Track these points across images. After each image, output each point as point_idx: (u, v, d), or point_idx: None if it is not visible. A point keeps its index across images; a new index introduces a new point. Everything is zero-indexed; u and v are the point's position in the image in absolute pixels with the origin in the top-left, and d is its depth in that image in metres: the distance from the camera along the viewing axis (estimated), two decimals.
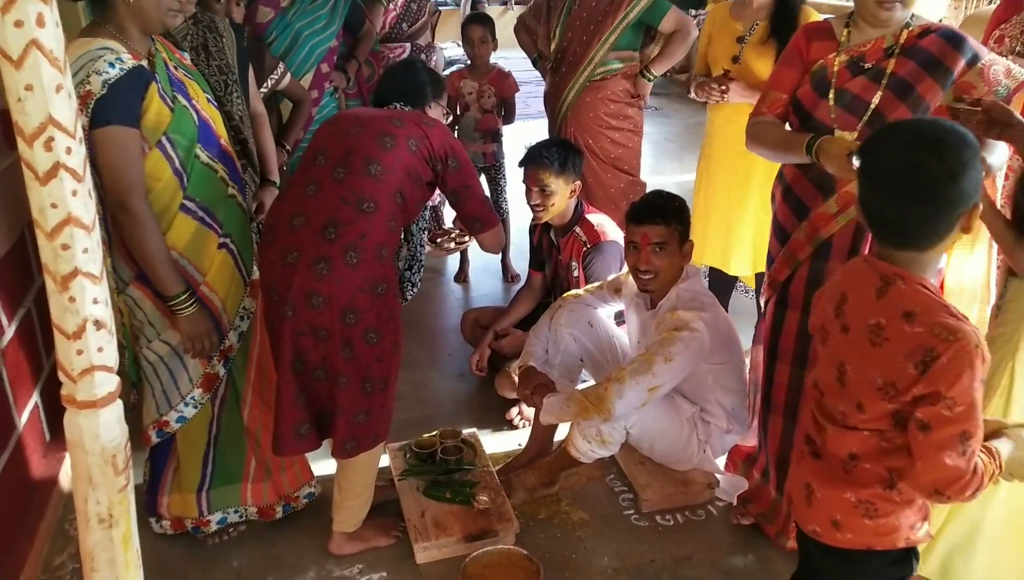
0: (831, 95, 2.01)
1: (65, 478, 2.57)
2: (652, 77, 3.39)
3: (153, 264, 1.92)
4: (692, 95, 3.06)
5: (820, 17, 2.76)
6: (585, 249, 2.85)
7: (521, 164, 2.88)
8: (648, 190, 2.94)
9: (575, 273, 2.89)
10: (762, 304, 2.31)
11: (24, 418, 2.39)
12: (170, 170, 1.92)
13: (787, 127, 2.15)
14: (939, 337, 1.25)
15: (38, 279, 2.63)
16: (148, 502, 2.23)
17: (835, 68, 2.01)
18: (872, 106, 1.96)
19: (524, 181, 2.88)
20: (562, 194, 2.83)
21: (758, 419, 2.35)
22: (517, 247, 4.25)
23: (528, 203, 2.89)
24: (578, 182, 2.88)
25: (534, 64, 3.69)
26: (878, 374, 1.32)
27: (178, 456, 2.20)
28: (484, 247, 2.39)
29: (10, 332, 2.33)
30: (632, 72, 3.36)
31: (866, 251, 1.98)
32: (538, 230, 3.10)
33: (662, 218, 2.31)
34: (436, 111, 2.37)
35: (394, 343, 2.09)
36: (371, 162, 2.04)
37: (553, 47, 3.38)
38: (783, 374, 2.18)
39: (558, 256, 2.98)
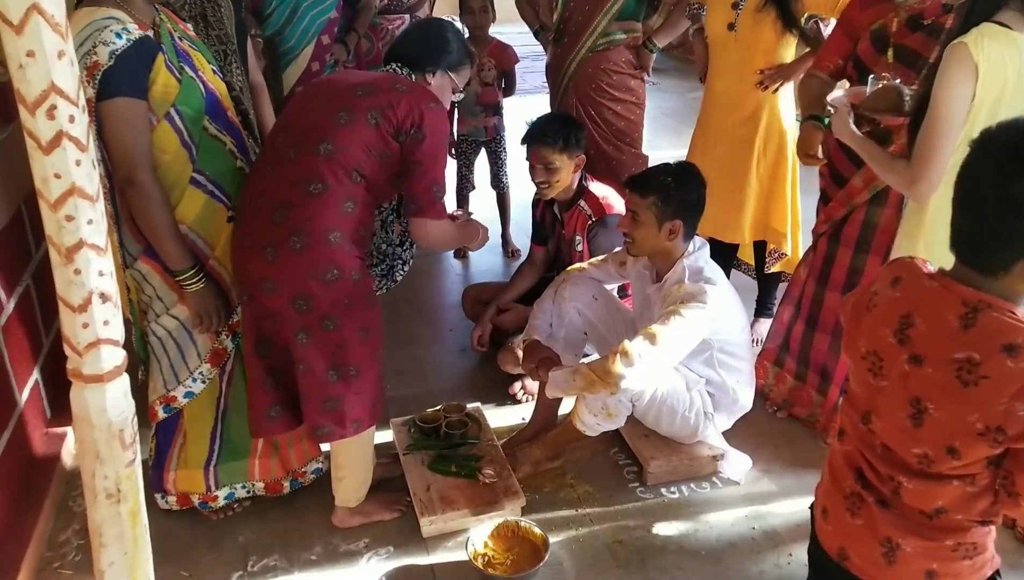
0: (890, 51, 2.06)
1: (68, 455, 2.56)
2: (655, 48, 3.36)
3: (162, 238, 1.90)
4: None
5: None
6: (590, 222, 2.83)
7: (523, 142, 2.84)
8: (651, 164, 2.92)
9: (579, 247, 2.87)
10: (811, 238, 2.52)
11: (25, 395, 2.37)
12: (178, 142, 1.90)
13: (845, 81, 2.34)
14: None
15: (36, 254, 2.60)
16: (154, 478, 2.22)
17: (894, 26, 2.07)
18: (930, 61, 1.99)
19: (527, 159, 2.85)
20: (567, 170, 2.80)
21: (783, 330, 2.70)
22: (517, 223, 4.22)
23: (533, 180, 2.87)
24: (582, 156, 2.85)
25: (536, 36, 3.64)
26: (976, 417, 1.15)
27: (185, 432, 2.19)
28: (415, 236, 2.13)
29: (9, 308, 2.31)
30: (635, 43, 3.33)
31: None
32: (541, 205, 3.08)
33: (639, 189, 2.32)
34: (441, 81, 2.18)
35: (361, 330, 2.00)
36: (323, 141, 1.94)
37: (556, 17, 3.34)
38: (833, 300, 2.46)
39: (561, 230, 2.96)
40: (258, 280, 1.94)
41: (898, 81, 2.06)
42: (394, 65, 2.16)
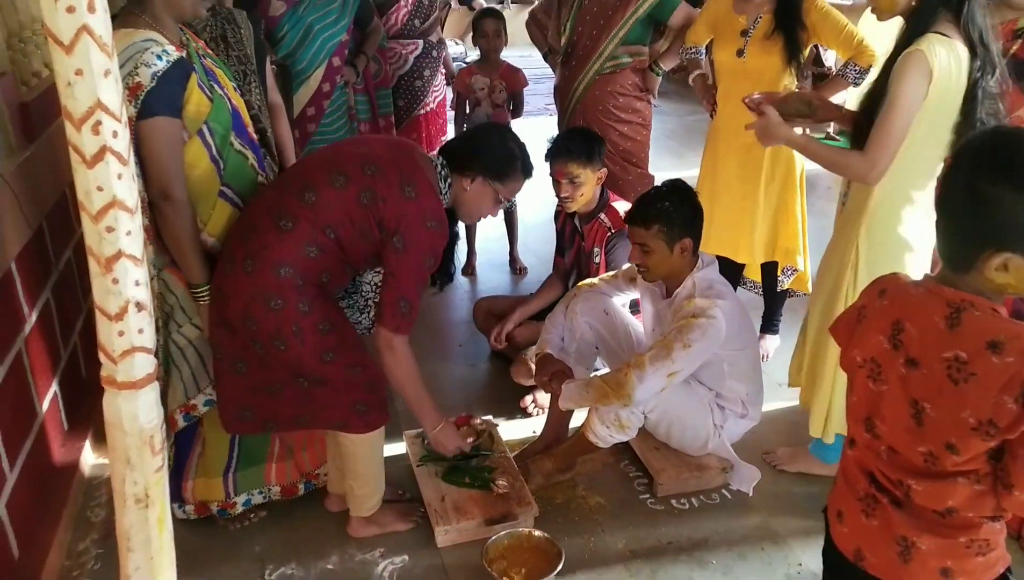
0: None
1: (86, 465, 2.59)
2: (661, 71, 3.42)
3: (185, 252, 1.97)
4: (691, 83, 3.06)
5: (825, 5, 2.81)
6: (609, 234, 2.87)
7: (547, 158, 2.89)
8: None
9: (596, 260, 2.92)
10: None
11: (45, 406, 2.41)
12: (207, 157, 1.97)
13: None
14: None
15: (56, 269, 2.65)
16: (171, 487, 2.25)
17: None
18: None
19: (551, 174, 2.89)
20: (590, 184, 2.85)
21: None
22: (524, 243, 4.27)
23: (557, 195, 2.91)
24: (604, 169, 2.90)
25: (544, 58, 3.71)
26: (969, 413, 1.18)
27: (204, 440, 2.24)
28: (377, 345, 2.08)
29: (32, 321, 2.35)
30: (641, 66, 3.39)
31: None
32: (562, 216, 3.12)
33: (642, 221, 2.34)
34: (481, 188, 2.15)
35: (319, 353, 1.99)
36: (308, 189, 1.98)
37: (564, 41, 3.40)
38: None
39: (581, 242, 3.01)
40: (216, 287, 2.02)
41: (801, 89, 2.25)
42: (440, 159, 2.15)
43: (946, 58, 1.95)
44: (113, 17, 1.94)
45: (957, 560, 1.30)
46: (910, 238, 2.15)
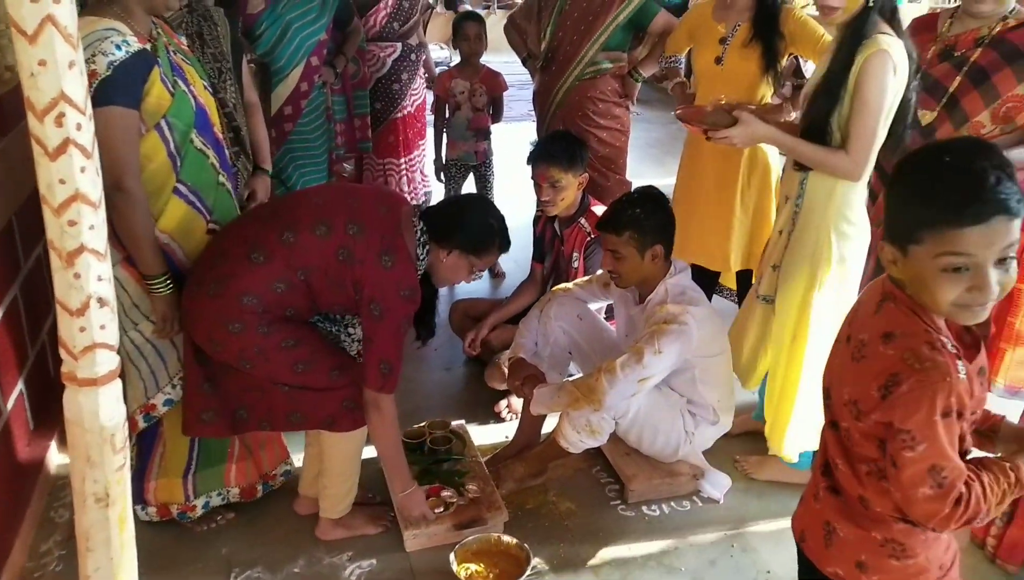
0: (917, 78, 2.16)
1: (50, 465, 2.55)
2: (640, 77, 3.44)
3: (139, 243, 1.95)
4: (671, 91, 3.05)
5: (803, 16, 2.84)
6: (588, 239, 2.88)
7: (529, 161, 2.89)
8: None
9: (575, 264, 2.92)
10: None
11: (10, 404, 2.37)
12: (164, 152, 1.95)
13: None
14: (906, 363, 1.18)
15: (24, 266, 2.61)
16: (134, 489, 2.23)
17: (929, 54, 2.21)
18: (949, 91, 2.17)
19: (533, 178, 2.90)
20: (572, 188, 2.86)
21: None
22: None
23: (538, 199, 2.92)
24: (585, 174, 2.91)
25: (523, 63, 3.72)
26: (848, 389, 1.28)
27: (164, 440, 2.21)
28: (365, 402, 2.12)
29: None
30: (621, 72, 3.41)
31: None
32: (542, 221, 3.12)
33: (613, 228, 2.36)
34: (457, 261, 2.19)
35: (291, 366, 2.03)
36: (289, 230, 2.01)
37: (544, 46, 3.41)
38: None
39: (561, 247, 3.01)
40: (184, 307, 2.04)
41: (723, 100, 2.40)
42: (421, 225, 2.15)
43: (902, 54, 2.07)
44: (83, 5, 1.95)
45: (871, 556, 1.33)
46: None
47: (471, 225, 2.21)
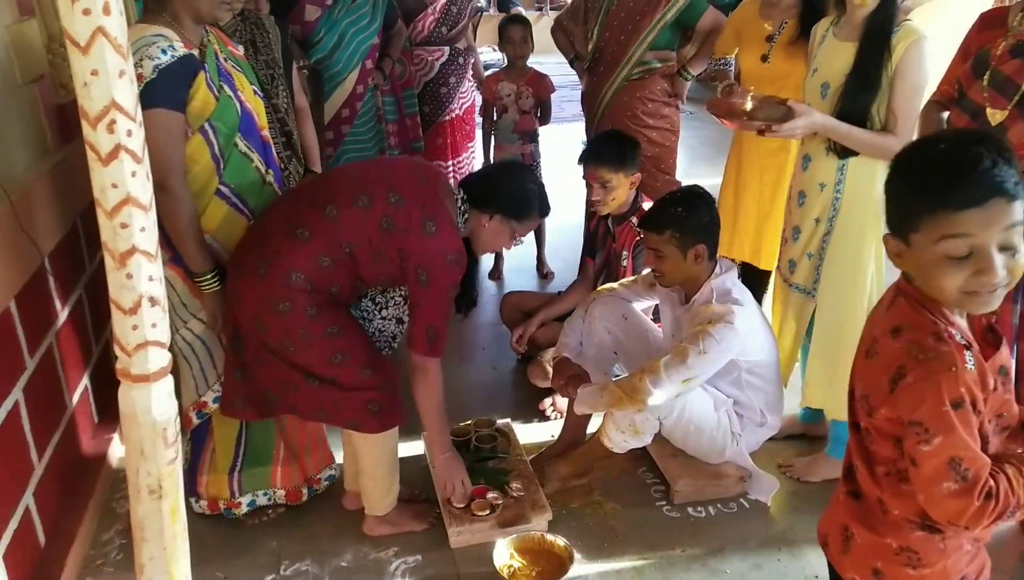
0: (986, 75, 2.12)
1: (113, 458, 2.65)
2: (689, 76, 3.40)
3: (185, 241, 2.01)
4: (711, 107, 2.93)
5: None
6: (638, 238, 2.86)
7: (580, 161, 2.90)
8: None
9: (624, 262, 2.91)
10: None
11: (75, 399, 2.48)
12: (208, 155, 2.01)
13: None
14: (911, 355, 1.17)
15: (89, 267, 2.73)
16: (188, 481, 2.30)
17: (998, 50, 2.13)
18: (1022, 88, 2.06)
19: (584, 177, 2.90)
20: (623, 188, 2.84)
21: None
22: (551, 247, 4.28)
23: (589, 199, 2.92)
24: (637, 174, 2.89)
25: (571, 64, 3.71)
26: (860, 385, 1.29)
27: (214, 437, 2.29)
28: (410, 365, 2.15)
29: (63, 316, 2.42)
30: (669, 72, 3.38)
31: None
32: (596, 217, 3.11)
33: (654, 226, 2.35)
34: (499, 226, 2.21)
35: (329, 356, 2.05)
36: (330, 204, 2.03)
37: (591, 47, 3.39)
38: None
39: (612, 244, 3.00)
40: (229, 291, 2.07)
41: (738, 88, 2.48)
42: (461, 193, 2.21)
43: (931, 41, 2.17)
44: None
45: (887, 564, 1.31)
46: None
47: (512, 190, 2.23)
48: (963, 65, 2.25)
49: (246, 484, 2.33)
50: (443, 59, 4.06)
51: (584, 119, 3.68)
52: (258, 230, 2.10)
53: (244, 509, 2.35)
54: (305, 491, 2.41)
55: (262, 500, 2.37)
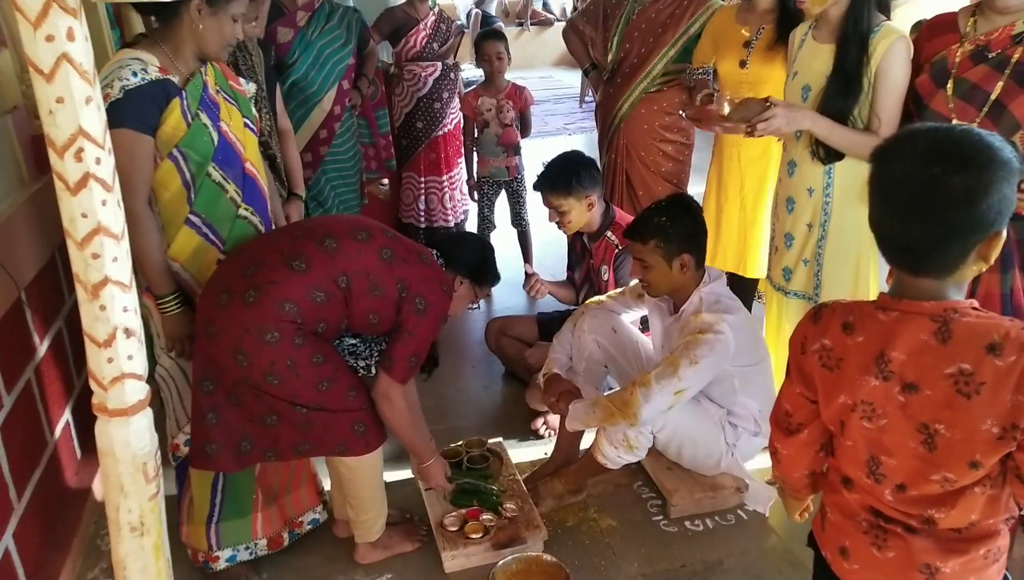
0: (949, 85, 2.05)
1: (97, 493, 2.59)
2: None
3: (143, 262, 1.96)
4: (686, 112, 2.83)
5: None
6: (616, 251, 2.85)
7: (535, 188, 2.90)
8: None
9: (605, 277, 2.89)
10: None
11: (57, 433, 2.43)
12: (179, 181, 1.97)
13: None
14: None
15: (68, 299, 2.68)
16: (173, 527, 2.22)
17: (957, 58, 2.06)
18: (992, 96, 1.99)
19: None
20: (578, 211, 2.84)
21: None
22: (539, 261, 4.26)
23: (550, 221, 2.93)
24: (593, 195, 2.85)
25: (585, 74, 3.66)
26: (991, 423, 1.13)
27: (191, 483, 2.18)
28: (376, 390, 2.12)
29: (42, 350, 2.38)
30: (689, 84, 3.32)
31: None
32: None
33: (639, 236, 2.35)
34: (466, 291, 2.30)
35: (315, 383, 2.00)
36: (329, 237, 2.02)
37: (610, 58, 3.33)
38: None
39: (590, 260, 2.99)
40: (205, 321, 1.98)
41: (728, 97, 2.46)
42: (434, 251, 2.25)
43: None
44: (128, 45, 2.00)
45: (978, 574, 1.25)
46: None
47: (483, 259, 2.33)
48: (916, 76, 2.18)
49: (225, 538, 2.19)
50: (436, 74, 4.08)
51: (598, 129, 3.62)
52: (244, 260, 2.02)
53: (222, 564, 2.20)
54: (286, 535, 2.30)
55: (243, 555, 2.22)
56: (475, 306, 2.39)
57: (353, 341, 2.27)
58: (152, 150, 1.92)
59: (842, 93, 2.20)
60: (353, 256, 2.02)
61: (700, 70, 3.15)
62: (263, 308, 1.93)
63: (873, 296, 2.31)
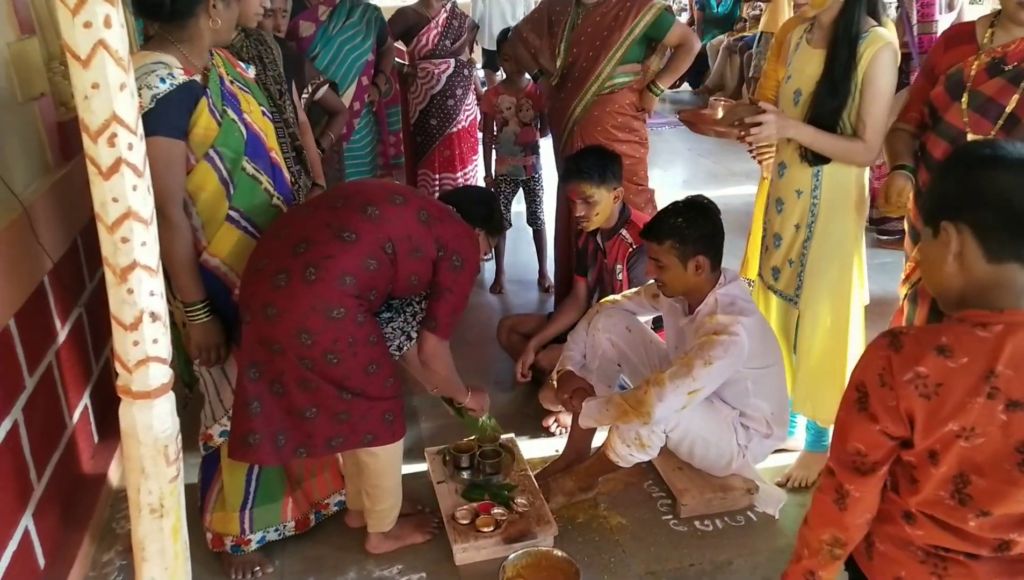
0: (964, 97, 2.03)
1: (113, 477, 2.63)
2: (659, 92, 3.37)
3: (178, 270, 1.96)
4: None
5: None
6: (631, 250, 2.86)
7: (562, 178, 2.89)
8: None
9: (619, 276, 2.90)
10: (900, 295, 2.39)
11: (75, 418, 2.46)
12: (216, 180, 1.98)
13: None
14: None
15: (89, 284, 2.71)
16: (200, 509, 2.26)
17: (972, 70, 2.03)
18: (1007, 110, 1.96)
19: (567, 195, 2.89)
20: (605, 202, 2.84)
21: None
22: (552, 260, 4.26)
23: (574, 215, 2.92)
24: (620, 188, 2.88)
25: (534, 79, 3.69)
26: None
27: (223, 474, 2.21)
28: (421, 348, 2.19)
29: (63, 334, 2.41)
30: (638, 86, 3.32)
31: None
32: (584, 234, 3.10)
33: (654, 236, 2.35)
34: (480, 242, 2.33)
35: (366, 365, 2.02)
36: (371, 205, 2.03)
37: (559, 64, 3.32)
38: None
39: (603, 260, 2.99)
40: (261, 304, 1.96)
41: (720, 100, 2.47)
42: (452, 209, 2.27)
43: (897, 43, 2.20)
44: (147, 38, 2.02)
45: None
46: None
47: (490, 212, 2.39)
48: (930, 87, 2.16)
49: (258, 522, 2.24)
50: (449, 71, 4.10)
51: (552, 135, 3.58)
52: (289, 238, 2.00)
53: (254, 546, 2.25)
54: (313, 516, 2.35)
55: (272, 536, 2.28)
56: (488, 257, 2.47)
57: (387, 314, 2.28)
58: (185, 154, 1.93)
59: (830, 97, 2.20)
60: (396, 221, 2.04)
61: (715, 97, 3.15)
62: (326, 285, 1.94)
63: (853, 304, 2.32)
